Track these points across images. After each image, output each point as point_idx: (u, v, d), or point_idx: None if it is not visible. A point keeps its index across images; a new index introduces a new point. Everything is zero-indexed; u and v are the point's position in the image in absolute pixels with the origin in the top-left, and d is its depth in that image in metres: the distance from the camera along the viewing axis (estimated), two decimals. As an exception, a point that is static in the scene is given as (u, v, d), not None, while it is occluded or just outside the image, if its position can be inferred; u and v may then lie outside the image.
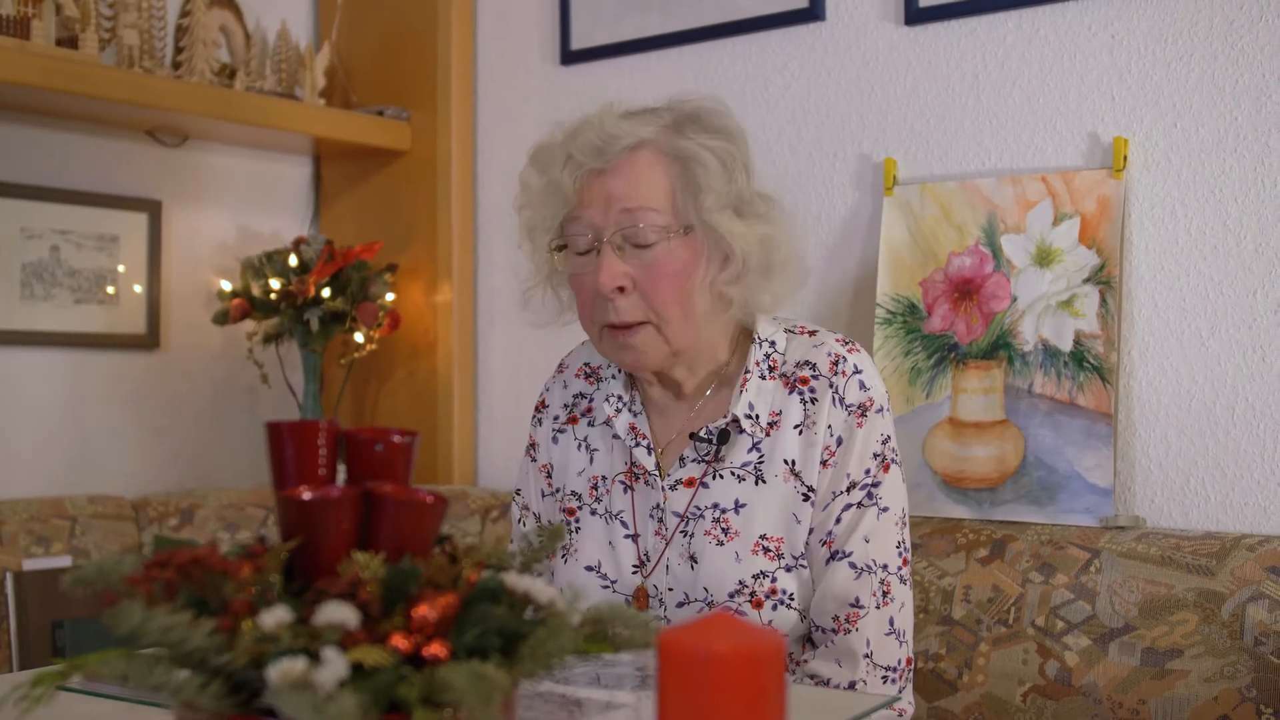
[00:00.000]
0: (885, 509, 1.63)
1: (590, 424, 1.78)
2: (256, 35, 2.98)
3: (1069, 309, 2.11)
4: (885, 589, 1.62)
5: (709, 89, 2.58)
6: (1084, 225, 2.12)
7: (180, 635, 0.77)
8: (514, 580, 0.92)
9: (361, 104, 3.05)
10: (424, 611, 0.85)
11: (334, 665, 0.78)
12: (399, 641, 0.83)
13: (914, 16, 2.33)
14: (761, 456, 1.65)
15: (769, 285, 1.65)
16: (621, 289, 1.59)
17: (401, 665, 0.82)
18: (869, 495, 1.62)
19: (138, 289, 2.81)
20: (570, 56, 2.81)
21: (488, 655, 0.86)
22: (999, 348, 2.17)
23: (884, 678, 1.62)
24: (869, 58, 2.40)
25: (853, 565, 1.61)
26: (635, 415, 1.72)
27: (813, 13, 2.45)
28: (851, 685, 1.60)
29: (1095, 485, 2.05)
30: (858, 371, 1.65)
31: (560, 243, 1.64)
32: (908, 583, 1.65)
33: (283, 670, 0.77)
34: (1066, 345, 2.11)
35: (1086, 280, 2.10)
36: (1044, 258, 2.14)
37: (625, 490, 1.71)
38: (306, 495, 0.88)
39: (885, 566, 1.62)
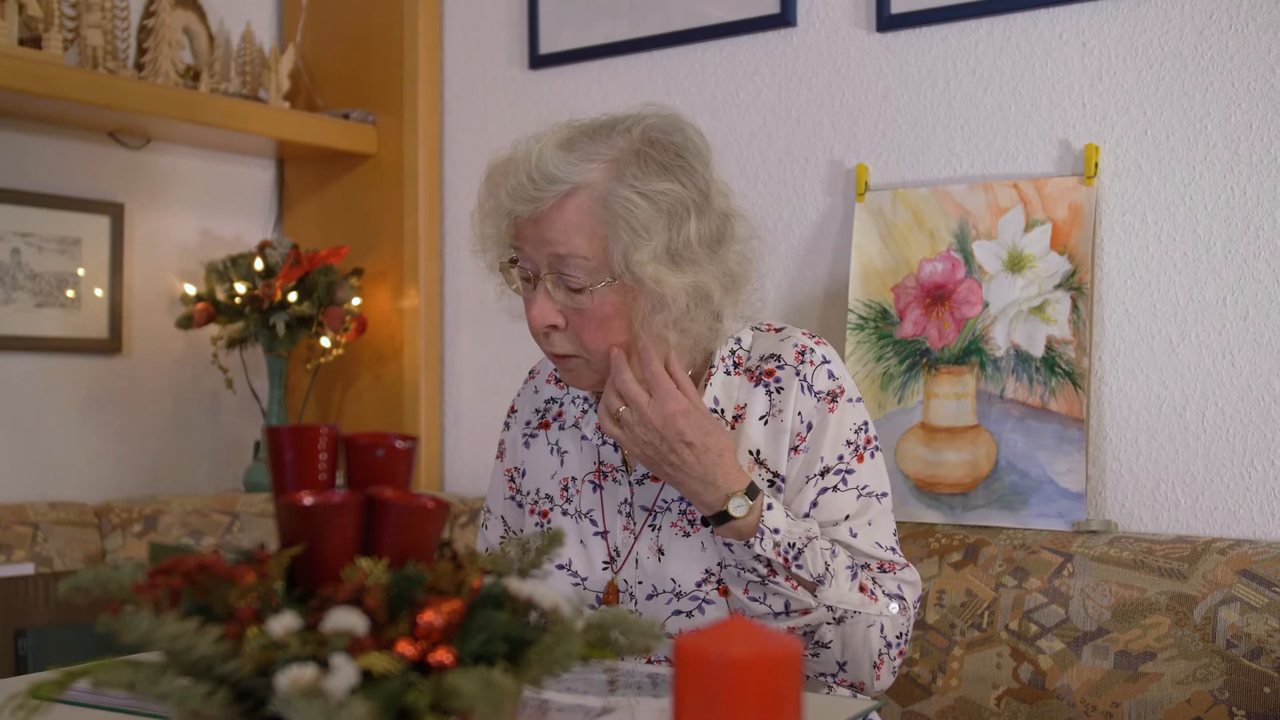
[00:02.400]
0: (884, 494, 1.67)
1: (561, 427, 1.80)
2: (220, 37, 2.95)
3: (1041, 315, 2.13)
4: (892, 567, 1.67)
5: (679, 95, 2.58)
6: (1055, 231, 2.13)
7: (187, 643, 0.76)
8: (517, 585, 0.91)
9: (326, 107, 3.03)
10: (430, 618, 0.84)
11: (344, 672, 0.77)
12: (405, 648, 0.82)
13: (886, 23, 2.34)
14: None
15: (714, 321, 1.64)
16: (554, 326, 1.61)
17: (409, 672, 0.81)
18: (844, 480, 1.64)
19: (99, 293, 2.77)
20: (539, 61, 2.80)
21: (493, 662, 0.85)
22: (971, 353, 2.18)
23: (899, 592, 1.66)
24: (840, 64, 2.41)
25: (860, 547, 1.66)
26: None
27: (784, 19, 2.46)
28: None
29: (1067, 490, 2.07)
30: (825, 362, 1.67)
31: (511, 257, 1.64)
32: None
33: (292, 677, 0.76)
34: (1038, 351, 2.12)
35: (1058, 286, 2.12)
36: (1016, 264, 2.16)
37: (595, 489, 1.73)
38: (308, 500, 0.87)
39: (893, 549, 1.67)
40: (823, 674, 1.64)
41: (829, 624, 1.58)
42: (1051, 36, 2.19)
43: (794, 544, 1.56)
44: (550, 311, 1.60)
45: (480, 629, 0.87)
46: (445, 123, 2.96)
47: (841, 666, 1.62)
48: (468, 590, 0.89)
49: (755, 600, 1.59)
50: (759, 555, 1.55)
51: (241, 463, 3.00)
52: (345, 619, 0.79)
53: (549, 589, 0.91)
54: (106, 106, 2.54)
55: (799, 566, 1.56)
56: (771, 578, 1.56)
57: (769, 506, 1.56)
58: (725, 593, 1.63)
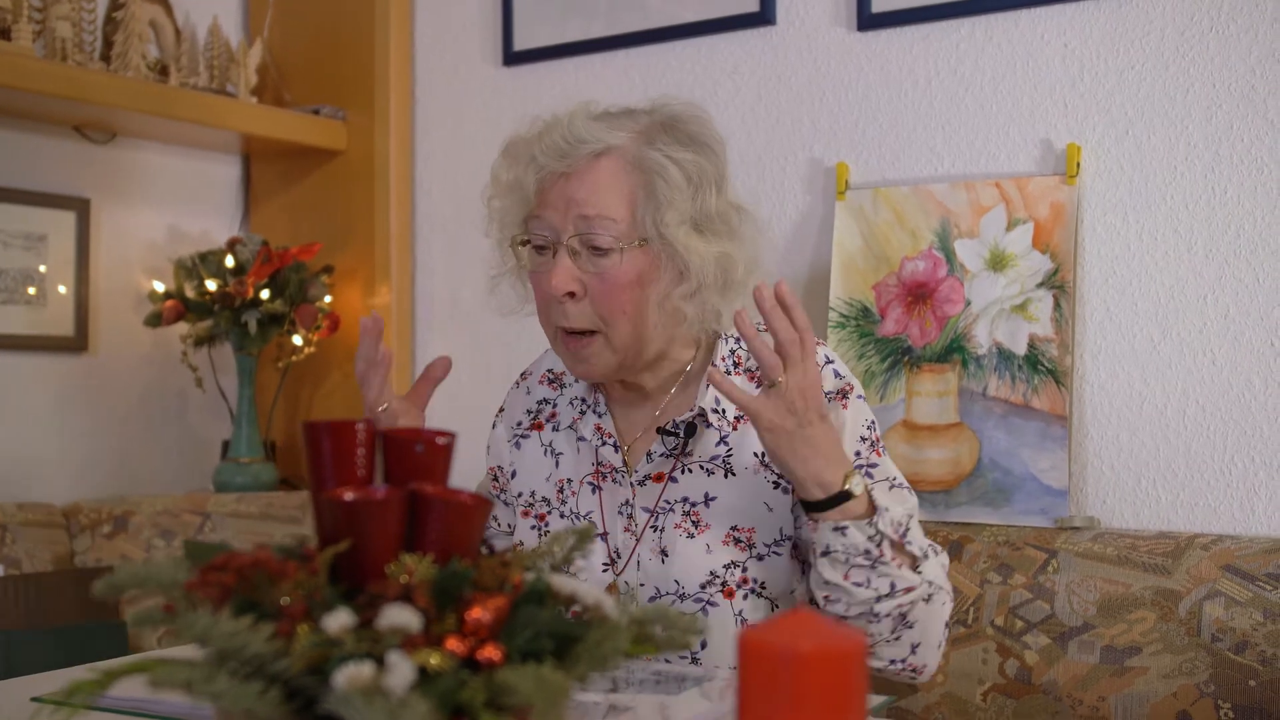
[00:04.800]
0: (899, 483, 1.64)
1: (555, 429, 1.78)
2: (186, 31, 2.91)
3: (1023, 313, 2.14)
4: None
5: (656, 93, 2.55)
6: (1037, 230, 2.15)
7: (242, 641, 0.74)
8: (559, 582, 0.90)
9: (295, 102, 2.99)
10: (478, 614, 0.83)
11: (402, 670, 0.75)
12: (454, 645, 0.81)
13: (866, 22, 2.35)
14: (730, 450, 1.65)
15: (727, 301, 1.63)
16: (572, 294, 1.59)
17: (461, 669, 0.80)
18: (869, 475, 1.62)
19: (63, 289, 2.72)
20: (513, 57, 2.78)
21: (541, 658, 0.84)
22: (953, 351, 2.19)
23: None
24: (820, 63, 2.41)
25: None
26: (600, 416, 1.72)
27: (763, 17, 2.46)
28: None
29: (1050, 487, 2.08)
30: (829, 361, 1.66)
31: (523, 238, 1.64)
32: None
33: (350, 676, 0.74)
34: (1020, 349, 2.13)
35: (1040, 285, 2.13)
36: (997, 262, 2.17)
37: (593, 490, 1.71)
38: (350, 496, 0.86)
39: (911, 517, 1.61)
40: (891, 662, 1.58)
41: (923, 601, 1.54)
42: (1033, 37, 2.20)
43: (901, 521, 1.52)
44: (569, 278, 1.58)
45: (525, 625, 0.86)
46: (417, 119, 2.94)
47: (913, 649, 1.57)
48: (510, 587, 0.88)
49: (859, 585, 1.51)
50: (876, 535, 1.49)
51: (210, 462, 2.96)
52: (400, 616, 0.78)
53: (591, 586, 0.91)
54: (76, 100, 2.49)
55: (909, 543, 1.52)
56: (881, 559, 1.50)
57: (874, 485, 1.53)
58: (730, 594, 1.61)
